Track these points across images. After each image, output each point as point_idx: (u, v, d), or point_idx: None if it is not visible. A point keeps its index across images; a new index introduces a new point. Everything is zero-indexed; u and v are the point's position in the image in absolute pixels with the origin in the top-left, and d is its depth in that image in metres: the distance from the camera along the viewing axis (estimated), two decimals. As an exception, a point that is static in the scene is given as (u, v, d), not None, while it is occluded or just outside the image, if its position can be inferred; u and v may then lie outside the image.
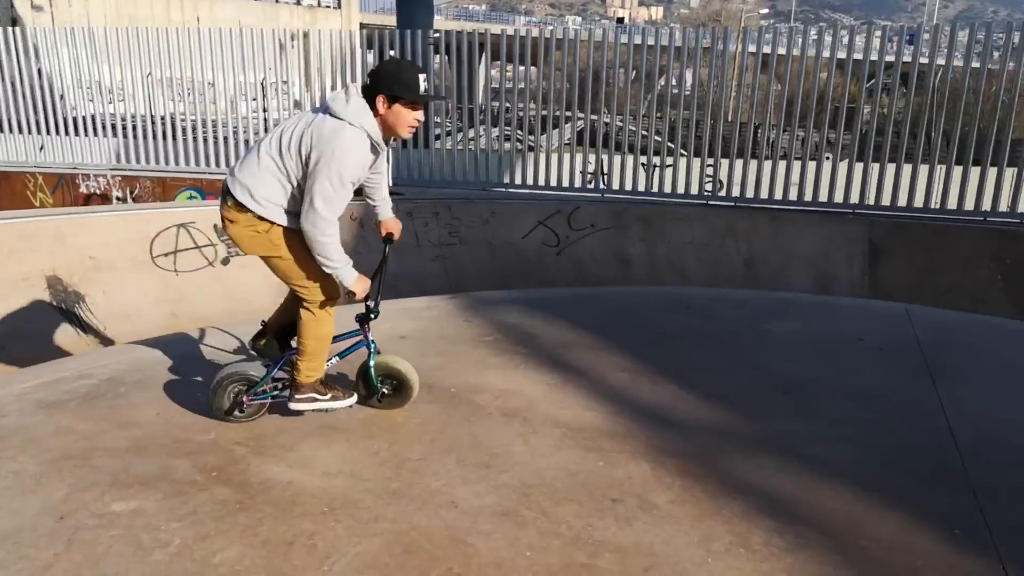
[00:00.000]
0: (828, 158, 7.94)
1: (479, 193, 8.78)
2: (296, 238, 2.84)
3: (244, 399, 3.07)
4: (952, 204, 7.58)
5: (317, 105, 3.13)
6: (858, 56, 9.24)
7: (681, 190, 8.33)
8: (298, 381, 3.05)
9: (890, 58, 7.74)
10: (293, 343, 3.11)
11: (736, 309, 5.03)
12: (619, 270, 8.10)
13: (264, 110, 9.81)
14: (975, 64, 7.61)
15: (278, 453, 2.91)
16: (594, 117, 8.81)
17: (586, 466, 2.89)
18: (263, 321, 3.24)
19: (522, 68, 8.89)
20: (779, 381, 3.82)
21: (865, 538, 2.53)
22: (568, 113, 8.97)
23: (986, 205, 7.46)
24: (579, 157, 8.73)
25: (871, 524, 2.60)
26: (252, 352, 3.32)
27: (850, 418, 3.43)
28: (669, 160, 8.38)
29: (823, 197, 7.92)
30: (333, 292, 2.97)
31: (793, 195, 8.06)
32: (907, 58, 7.65)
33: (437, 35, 9.35)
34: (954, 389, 3.75)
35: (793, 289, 7.57)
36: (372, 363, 3.18)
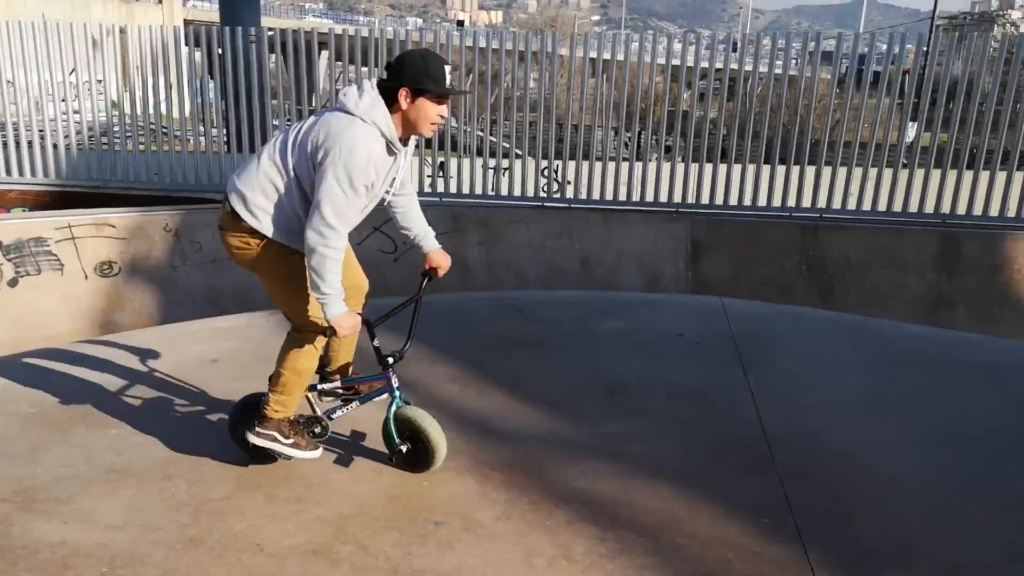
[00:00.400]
0: (652, 159, 8.30)
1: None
2: (293, 258, 2.56)
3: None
4: (763, 202, 8.16)
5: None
6: (676, 61, 9.76)
7: (518, 192, 8.40)
8: (264, 413, 2.74)
9: (711, 64, 8.22)
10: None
11: (566, 311, 5.09)
12: (458, 275, 8.03)
13: (76, 111, 8.87)
14: (778, 71, 8.26)
15: (51, 507, 2.54)
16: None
17: (409, 489, 2.76)
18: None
19: (364, 69, 8.61)
20: (606, 382, 3.88)
21: (683, 536, 2.58)
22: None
23: (791, 202, 8.10)
24: (415, 161, 8.59)
25: (688, 521, 2.66)
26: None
27: (671, 415, 3.53)
28: (506, 163, 8.43)
29: (649, 197, 8.28)
30: (319, 325, 2.66)
31: (623, 195, 8.36)
32: (719, 65, 8.15)
33: (271, 32, 8.86)
34: (764, 379, 3.97)
35: (626, 286, 7.85)
36: (392, 414, 2.82)
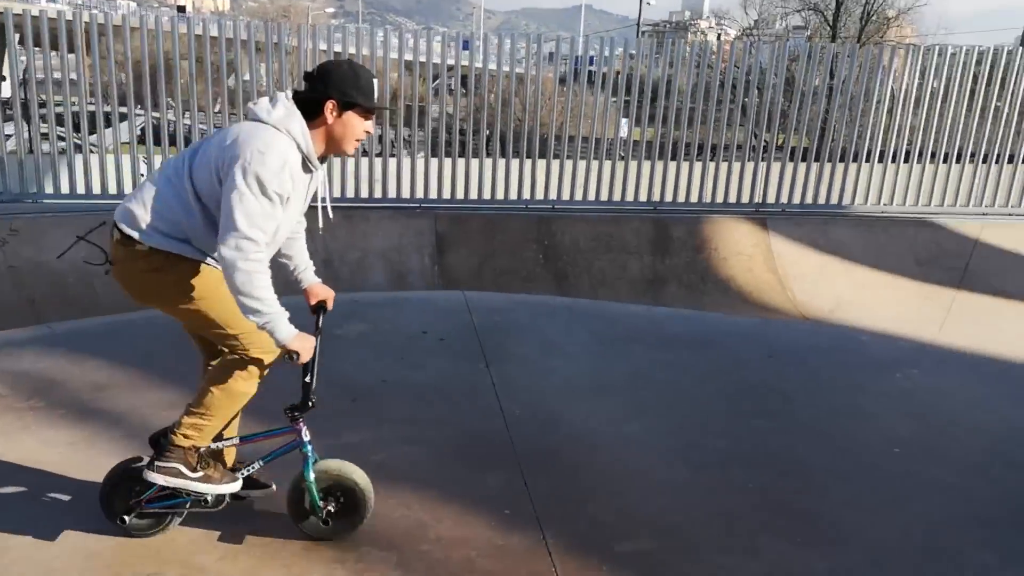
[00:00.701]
0: (397, 156, 8.23)
1: (-5, 207, 7.14)
2: (206, 275, 2.20)
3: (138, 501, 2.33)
4: (501, 195, 8.48)
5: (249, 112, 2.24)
6: (423, 58, 9.78)
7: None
8: (171, 440, 2.30)
9: (450, 61, 8.32)
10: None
11: (306, 315, 4.83)
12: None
13: None
14: (518, 69, 8.60)
15: None
16: (156, 114, 7.78)
17: (113, 542, 2.40)
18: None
19: (71, 56, 7.45)
20: (348, 389, 3.73)
21: (426, 541, 2.53)
22: (123, 109, 7.79)
23: (527, 194, 8.51)
24: (140, 158, 7.67)
25: (432, 525, 2.62)
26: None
27: (414, 417, 3.48)
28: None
29: (392, 193, 8.21)
30: (272, 346, 2.23)
31: (365, 192, 8.20)
32: (464, 62, 8.30)
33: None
34: (505, 369, 4.08)
35: (372, 285, 7.71)
36: (311, 473, 2.36)
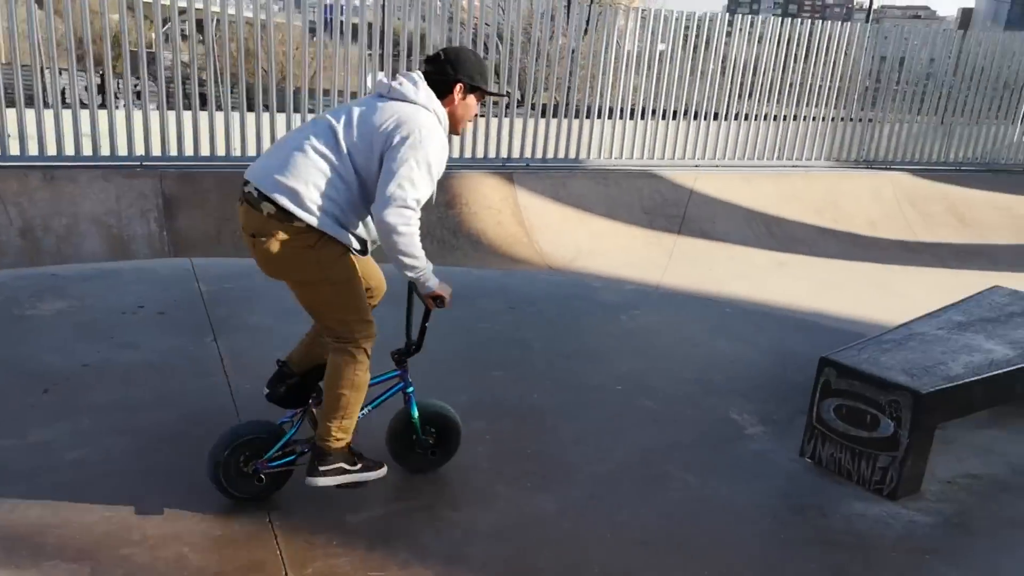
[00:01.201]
0: (103, 107, 7.21)
1: None
2: (345, 258, 2.31)
3: (259, 467, 2.40)
4: (237, 152, 7.83)
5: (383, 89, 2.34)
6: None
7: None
8: (325, 447, 2.38)
9: (183, 3, 7.37)
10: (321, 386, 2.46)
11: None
12: None
13: None
14: (262, 16, 7.88)
15: None
16: None
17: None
18: (280, 361, 2.66)
19: None
20: (39, 378, 3.20)
21: (128, 544, 2.24)
22: None
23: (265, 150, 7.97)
24: None
25: (136, 526, 2.32)
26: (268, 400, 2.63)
27: (122, 403, 3.08)
28: None
29: (105, 151, 7.22)
30: (374, 329, 2.44)
31: (70, 149, 7.12)
32: (199, 5, 7.40)
33: None
34: (235, 341, 3.76)
35: (87, 255, 6.76)
36: (415, 411, 2.64)
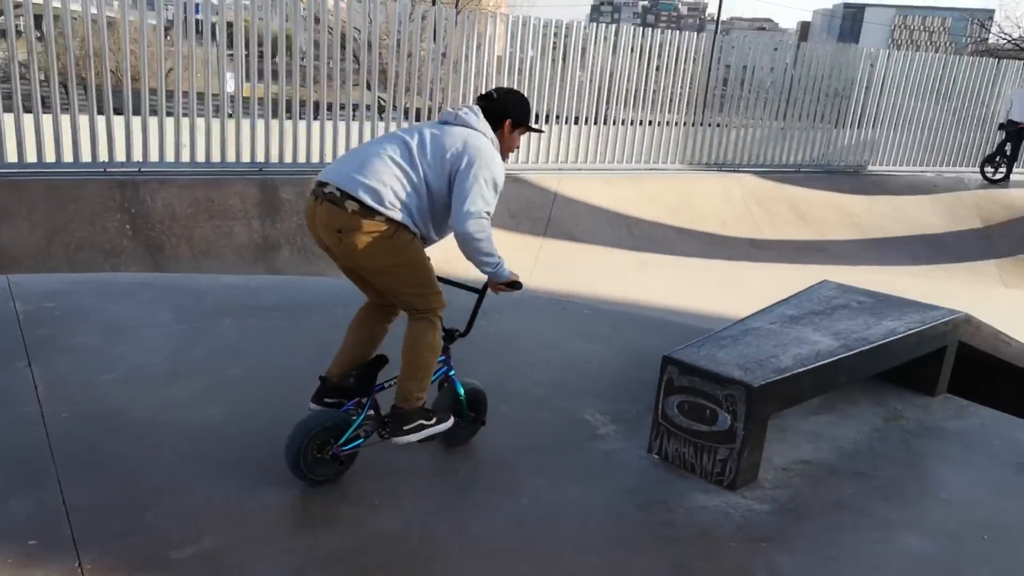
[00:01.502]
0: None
1: None
2: (416, 242, 2.64)
3: (336, 451, 2.65)
4: (68, 157, 7.21)
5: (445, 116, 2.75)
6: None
7: None
8: (405, 408, 2.70)
9: None
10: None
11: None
12: None
13: None
14: (108, 12, 7.26)
15: None
16: None
17: None
18: (322, 376, 2.88)
19: None
20: None
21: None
22: None
23: (104, 156, 7.37)
24: None
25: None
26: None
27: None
28: None
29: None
30: (444, 299, 2.78)
31: None
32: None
33: None
34: (54, 365, 3.42)
35: None
36: (462, 390, 2.97)
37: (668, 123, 11.05)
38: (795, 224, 10.89)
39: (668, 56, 10.83)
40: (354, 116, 8.96)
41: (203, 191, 7.80)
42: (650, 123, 10.97)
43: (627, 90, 10.61)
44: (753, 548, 2.55)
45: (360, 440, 2.72)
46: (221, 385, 3.43)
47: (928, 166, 13.11)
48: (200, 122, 8.03)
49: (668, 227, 10.07)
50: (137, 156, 7.64)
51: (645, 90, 10.71)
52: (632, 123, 10.84)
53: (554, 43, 10.32)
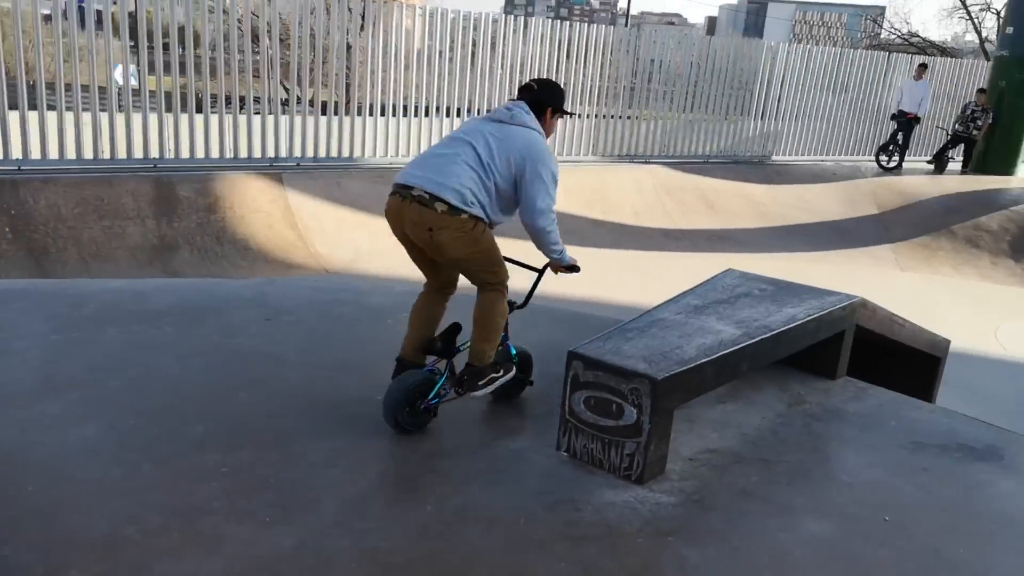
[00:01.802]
0: None
1: None
2: (489, 231, 3.03)
3: (427, 405, 3.10)
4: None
5: (497, 112, 3.11)
6: None
7: None
8: (479, 365, 3.14)
9: None
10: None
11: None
12: None
13: None
14: None
15: None
16: None
17: None
18: (398, 358, 3.25)
19: None
20: None
21: None
22: None
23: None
24: None
25: None
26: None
27: None
28: None
29: None
30: (506, 274, 3.15)
31: None
32: None
33: None
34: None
35: None
36: (515, 352, 3.36)
37: (581, 115, 11.09)
38: (704, 213, 11.13)
39: (579, 49, 10.87)
40: (256, 110, 8.61)
41: (92, 189, 7.33)
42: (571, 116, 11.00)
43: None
44: (660, 543, 2.51)
45: (443, 396, 3.15)
46: (98, 400, 3.17)
47: (827, 155, 13.66)
48: (88, 117, 7.53)
49: (583, 219, 10.11)
50: (16, 154, 7.11)
51: (559, 82, 10.72)
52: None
53: (471, 37, 10.19)
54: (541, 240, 3.08)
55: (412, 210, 2.90)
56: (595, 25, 11.29)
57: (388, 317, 4.52)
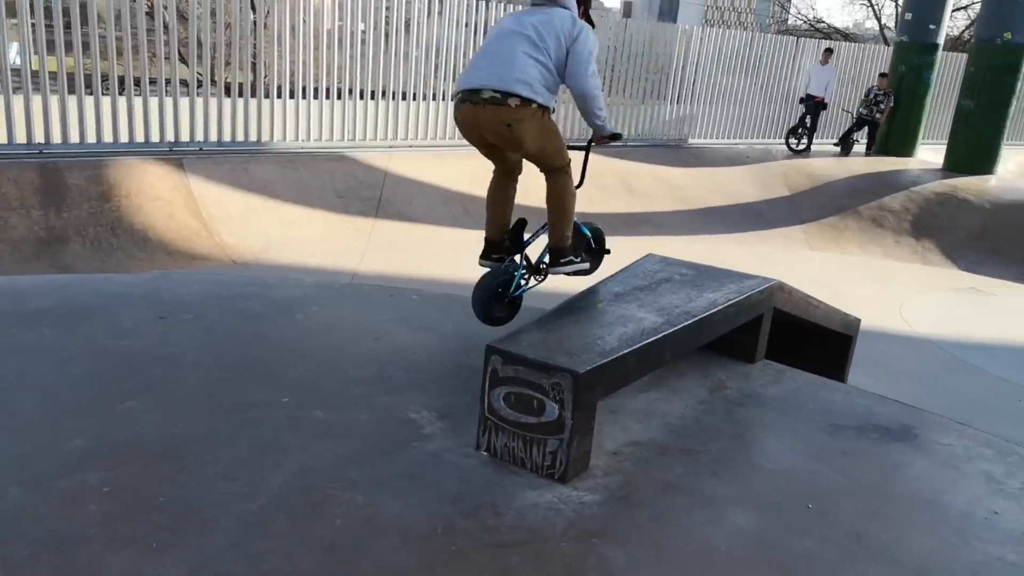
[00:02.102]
0: None
1: None
2: (552, 118, 3.36)
3: (512, 297, 3.57)
4: None
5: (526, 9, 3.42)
6: None
7: None
8: (560, 246, 3.60)
9: None
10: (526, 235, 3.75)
11: None
12: None
13: None
14: None
15: None
16: None
17: None
18: (487, 239, 3.70)
19: None
20: None
21: None
22: None
23: None
24: None
25: None
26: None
27: None
28: None
29: None
30: (568, 155, 3.56)
31: None
32: None
33: None
34: None
35: None
36: (587, 229, 3.91)
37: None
38: (624, 197, 11.17)
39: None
40: (153, 91, 8.05)
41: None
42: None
43: (457, 65, 10.35)
44: (585, 546, 2.40)
45: (524, 287, 3.59)
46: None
47: (741, 139, 13.94)
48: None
49: (503, 204, 9.96)
50: None
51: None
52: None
53: (386, 17, 9.83)
54: (589, 105, 3.38)
55: (487, 112, 3.20)
56: (514, 6, 11.12)
57: (297, 311, 4.25)
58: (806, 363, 4.20)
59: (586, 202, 11.07)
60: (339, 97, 9.33)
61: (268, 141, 8.87)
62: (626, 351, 2.85)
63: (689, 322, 3.21)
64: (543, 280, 3.77)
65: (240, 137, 8.68)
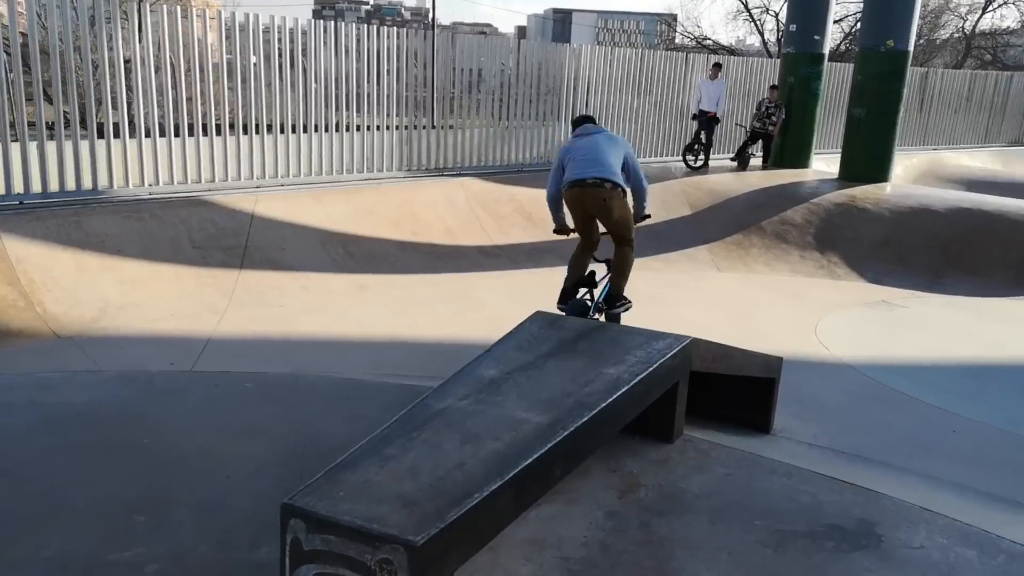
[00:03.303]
0: None
1: None
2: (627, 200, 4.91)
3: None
4: None
5: (582, 131, 5.13)
6: None
7: None
8: (619, 294, 4.92)
9: None
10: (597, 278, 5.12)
11: None
12: None
13: None
14: None
15: None
16: None
17: None
18: (564, 289, 4.94)
19: None
20: None
21: None
22: None
23: None
24: None
25: None
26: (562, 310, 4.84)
27: None
28: None
29: None
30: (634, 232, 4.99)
31: None
32: None
33: None
34: None
35: None
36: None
37: (386, 127, 10.05)
38: (522, 226, 10.45)
39: (392, 57, 9.82)
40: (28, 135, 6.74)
41: None
42: (367, 128, 9.89)
43: (347, 94, 9.42)
44: None
45: (591, 315, 4.75)
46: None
47: (638, 157, 13.51)
48: None
49: (389, 242, 9.05)
50: None
51: (366, 93, 9.62)
52: (345, 129, 9.69)
53: (279, 48, 8.80)
54: (643, 197, 5.04)
55: (592, 193, 4.68)
56: (405, 29, 10.32)
57: (67, 427, 3.20)
58: (729, 412, 3.52)
59: (482, 234, 10.15)
60: (191, 134, 8.22)
61: (106, 188, 7.64)
62: (497, 484, 2.00)
63: (586, 419, 2.41)
64: (601, 315, 4.89)
65: (71, 186, 7.42)
